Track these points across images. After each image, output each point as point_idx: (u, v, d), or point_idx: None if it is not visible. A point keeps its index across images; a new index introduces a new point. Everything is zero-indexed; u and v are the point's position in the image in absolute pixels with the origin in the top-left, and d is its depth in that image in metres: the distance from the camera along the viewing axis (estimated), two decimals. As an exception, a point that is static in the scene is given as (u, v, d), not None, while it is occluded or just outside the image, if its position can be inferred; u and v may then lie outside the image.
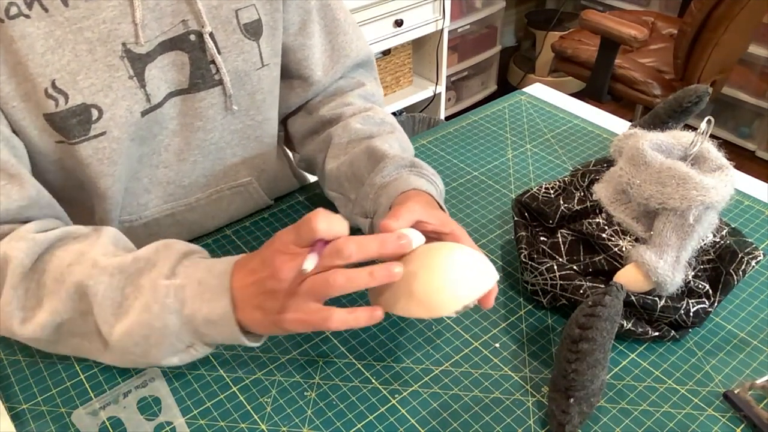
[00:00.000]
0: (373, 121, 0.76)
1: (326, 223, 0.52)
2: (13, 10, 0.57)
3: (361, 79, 0.84)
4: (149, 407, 0.61)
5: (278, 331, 0.56)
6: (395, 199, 0.65)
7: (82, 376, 0.64)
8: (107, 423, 0.60)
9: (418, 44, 2.28)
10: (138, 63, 0.64)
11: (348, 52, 0.81)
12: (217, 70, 0.70)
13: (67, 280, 0.57)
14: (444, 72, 2.31)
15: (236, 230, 0.83)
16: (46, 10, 0.58)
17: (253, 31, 0.71)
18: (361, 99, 0.81)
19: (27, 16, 0.58)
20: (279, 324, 0.54)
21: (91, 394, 0.62)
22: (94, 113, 0.63)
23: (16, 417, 0.60)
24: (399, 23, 2.04)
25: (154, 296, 0.55)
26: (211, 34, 0.68)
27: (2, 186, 0.59)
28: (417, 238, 0.56)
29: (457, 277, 0.54)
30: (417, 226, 0.58)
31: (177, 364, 0.59)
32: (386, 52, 2.17)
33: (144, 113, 0.66)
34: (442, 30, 2.18)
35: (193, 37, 0.67)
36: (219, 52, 0.69)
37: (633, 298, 0.63)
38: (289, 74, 0.80)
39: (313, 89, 0.80)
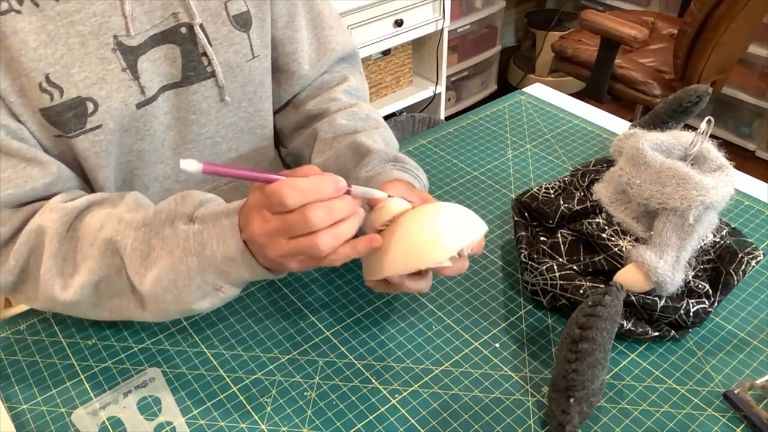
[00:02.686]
0: (358, 117, 0.77)
1: (298, 196, 0.52)
2: (4, 6, 0.58)
3: (345, 73, 0.85)
4: (149, 407, 0.61)
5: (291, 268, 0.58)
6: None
7: (82, 376, 0.64)
8: (107, 423, 0.60)
9: (418, 44, 2.28)
10: (130, 55, 0.65)
11: (334, 45, 0.82)
12: (209, 62, 0.70)
13: (98, 240, 0.60)
14: (444, 72, 2.31)
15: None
16: (36, 5, 0.59)
17: (243, 22, 0.72)
18: (347, 95, 0.82)
19: (18, 12, 0.58)
20: (288, 270, 0.58)
21: (91, 394, 0.62)
22: (90, 106, 0.63)
23: (16, 417, 0.60)
24: (399, 23, 2.03)
25: (176, 242, 0.58)
26: (201, 26, 0.68)
27: (23, 169, 0.62)
28: (403, 204, 0.59)
29: (449, 224, 0.57)
30: None
31: (207, 308, 0.61)
32: (386, 52, 2.17)
33: (139, 106, 0.66)
34: (442, 30, 2.18)
35: (183, 30, 0.68)
36: (210, 44, 0.70)
37: (633, 298, 0.63)
38: (277, 69, 0.81)
39: (300, 83, 0.81)
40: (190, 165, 0.50)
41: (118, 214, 0.61)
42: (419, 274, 0.61)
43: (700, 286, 0.66)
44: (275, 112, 0.86)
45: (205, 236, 0.58)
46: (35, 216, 0.62)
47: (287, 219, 0.52)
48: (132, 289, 0.60)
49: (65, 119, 0.62)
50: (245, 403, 0.61)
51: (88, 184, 0.70)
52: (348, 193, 0.55)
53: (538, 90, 1.12)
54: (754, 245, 0.71)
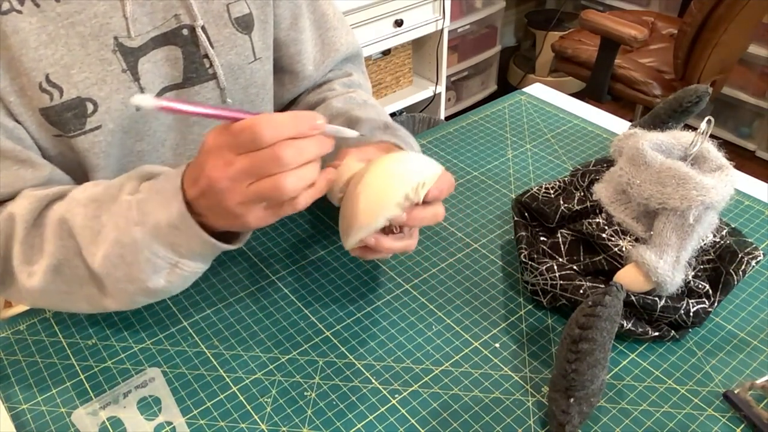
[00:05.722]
0: (354, 102, 0.77)
1: (274, 131, 0.48)
2: (5, 6, 0.58)
3: (348, 70, 0.86)
4: (149, 407, 0.61)
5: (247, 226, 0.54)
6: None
7: (82, 376, 0.64)
8: (107, 423, 0.60)
9: (418, 44, 2.28)
10: (130, 57, 0.65)
11: (338, 46, 0.82)
12: (211, 64, 0.70)
13: (53, 222, 0.58)
14: (444, 72, 2.31)
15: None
16: (37, 5, 0.59)
17: (245, 24, 0.72)
18: (345, 87, 0.82)
19: (19, 12, 0.59)
20: (244, 226, 0.53)
21: (91, 394, 0.62)
22: (89, 107, 0.63)
23: (16, 417, 0.60)
24: (399, 23, 2.03)
25: (120, 213, 0.56)
26: (203, 28, 0.68)
27: (15, 171, 0.61)
28: (355, 165, 0.59)
29: (397, 166, 0.57)
30: None
31: (167, 286, 0.59)
32: (386, 52, 2.17)
33: (139, 107, 0.66)
34: (442, 30, 2.18)
35: (185, 32, 0.68)
36: (212, 46, 0.70)
37: (633, 298, 0.63)
38: (281, 70, 0.81)
39: (304, 84, 0.82)
40: (144, 100, 0.45)
41: (71, 194, 0.59)
42: (399, 232, 0.61)
43: (700, 286, 0.66)
44: (279, 112, 0.86)
45: (148, 204, 0.55)
46: (8, 204, 0.61)
47: (256, 157, 0.49)
48: (91, 272, 0.58)
49: (65, 119, 0.62)
50: (245, 403, 0.61)
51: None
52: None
53: (538, 90, 1.12)
54: (754, 245, 0.71)
